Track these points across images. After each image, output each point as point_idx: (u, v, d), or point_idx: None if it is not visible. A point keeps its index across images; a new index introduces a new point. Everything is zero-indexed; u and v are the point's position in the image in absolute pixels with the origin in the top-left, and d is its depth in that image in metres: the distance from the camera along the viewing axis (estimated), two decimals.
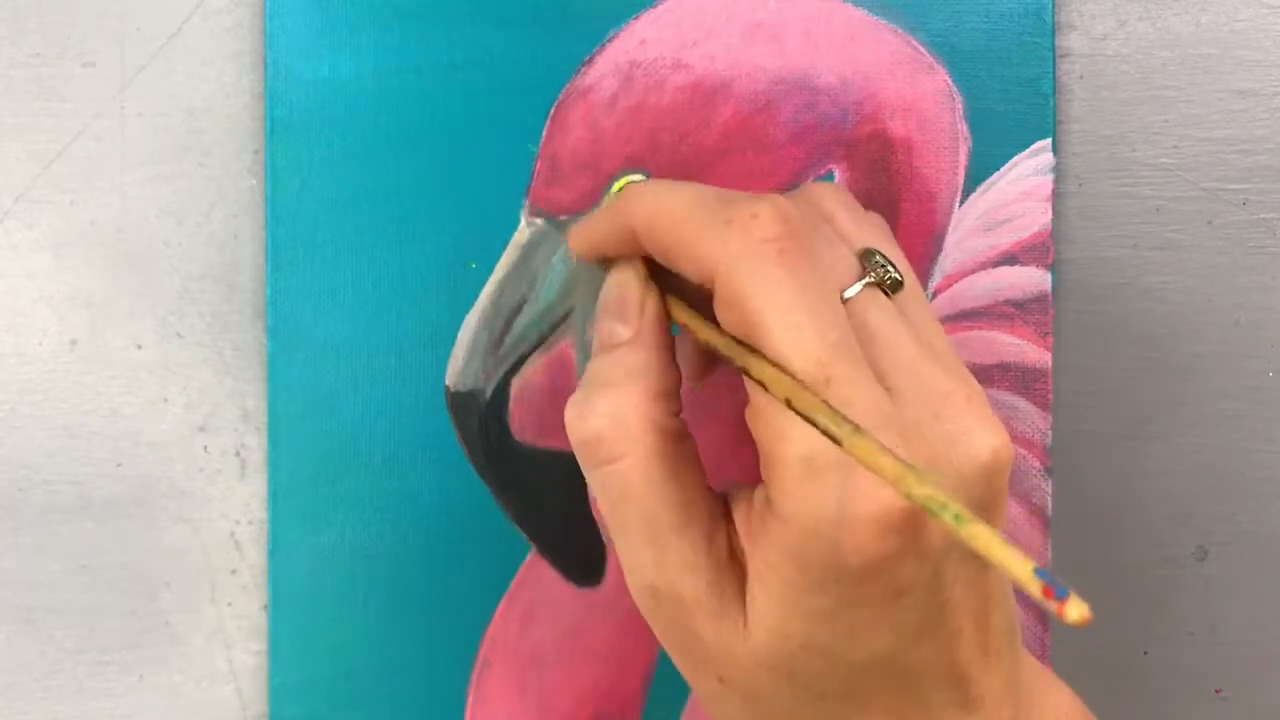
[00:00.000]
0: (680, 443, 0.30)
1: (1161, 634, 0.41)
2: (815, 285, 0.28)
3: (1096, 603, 0.41)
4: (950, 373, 0.29)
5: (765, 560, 0.29)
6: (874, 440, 0.25)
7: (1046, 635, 0.39)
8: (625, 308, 0.31)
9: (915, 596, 0.28)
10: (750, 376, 0.28)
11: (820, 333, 0.27)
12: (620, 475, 0.30)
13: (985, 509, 0.29)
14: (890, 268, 0.30)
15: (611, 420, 0.30)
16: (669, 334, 0.31)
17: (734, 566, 0.30)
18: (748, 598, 0.29)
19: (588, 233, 0.33)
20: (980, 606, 0.29)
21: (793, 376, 0.27)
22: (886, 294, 0.30)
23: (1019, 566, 0.22)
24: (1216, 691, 0.41)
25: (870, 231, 0.32)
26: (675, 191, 0.30)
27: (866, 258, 0.30)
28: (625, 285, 0.31)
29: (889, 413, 0.28)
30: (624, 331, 0.31)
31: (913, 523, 0.27)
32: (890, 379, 0.29)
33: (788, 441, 0.27)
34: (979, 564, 0.29)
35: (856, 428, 0.26)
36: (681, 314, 0.31)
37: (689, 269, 0.29)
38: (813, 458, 0.27)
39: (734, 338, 0.29)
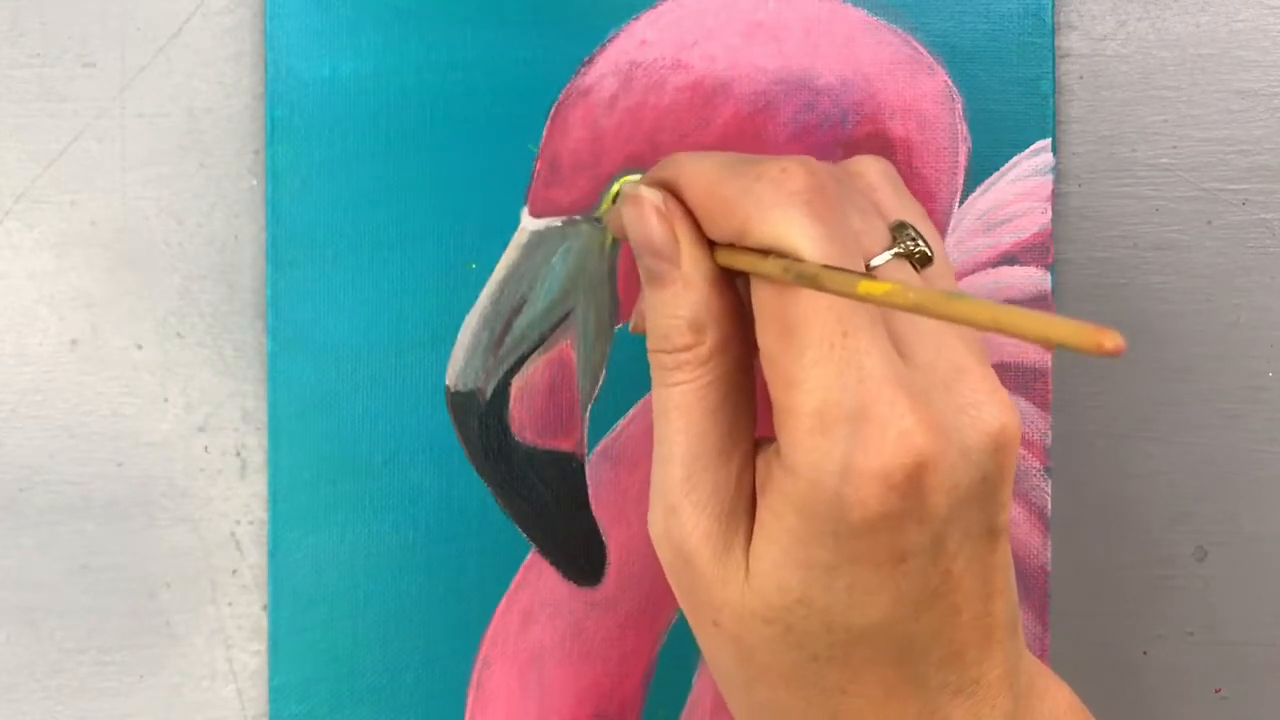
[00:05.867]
0: (744, 372, 0.31)
1: (1161, 634, 0.41)
2: (840, 239, 0.28)
3: (1096, 603, 0.42)
4: (970, 350, 0.30)
5: (770, 509, 0.29)
6: (884, 279, 0.25)
7: (1046, 636, 0.39)
8: (664, 243, 0.31)
9: (916, 563, 0.28)
10: (760, 274, 0.28)
11: None
12: (683, 393, 0.30)
13: (991, 483, 0.29)
14: (921, 241, 0.31)
15: (693, 337, 0.30)
16: (710, 258, 0.31)
17: (750, 512, 0.30)
18: (751, 546, 0.29)
19: (623, 211, 0.33)
20: (982, 589, 0.29)
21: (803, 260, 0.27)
22: (915, 267, 0.31)
23: (1038, 320, 0.21)
24: (1216, 691, 0.41)
25: (909, 207, 0.32)
26: (706, 156, 0.31)
27: (898, 230, 0.31)
28: (648, 221, 0.31)
29: (901, 373, 0.28)
30: (672, 269, 0.31)
31: (916, 483, 0.27)
32: (908, 346, 0.29)
33: (802, 392, 0.28)
34: (983, 543, 0.29)
35: (867, 275, 0.26)
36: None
37: (720, 225, 0.30)
38: (824, 410, 0.27)
39: (743, 247, 0.29)
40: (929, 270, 0.31)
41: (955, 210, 0.39)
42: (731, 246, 0.30)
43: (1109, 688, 0.41)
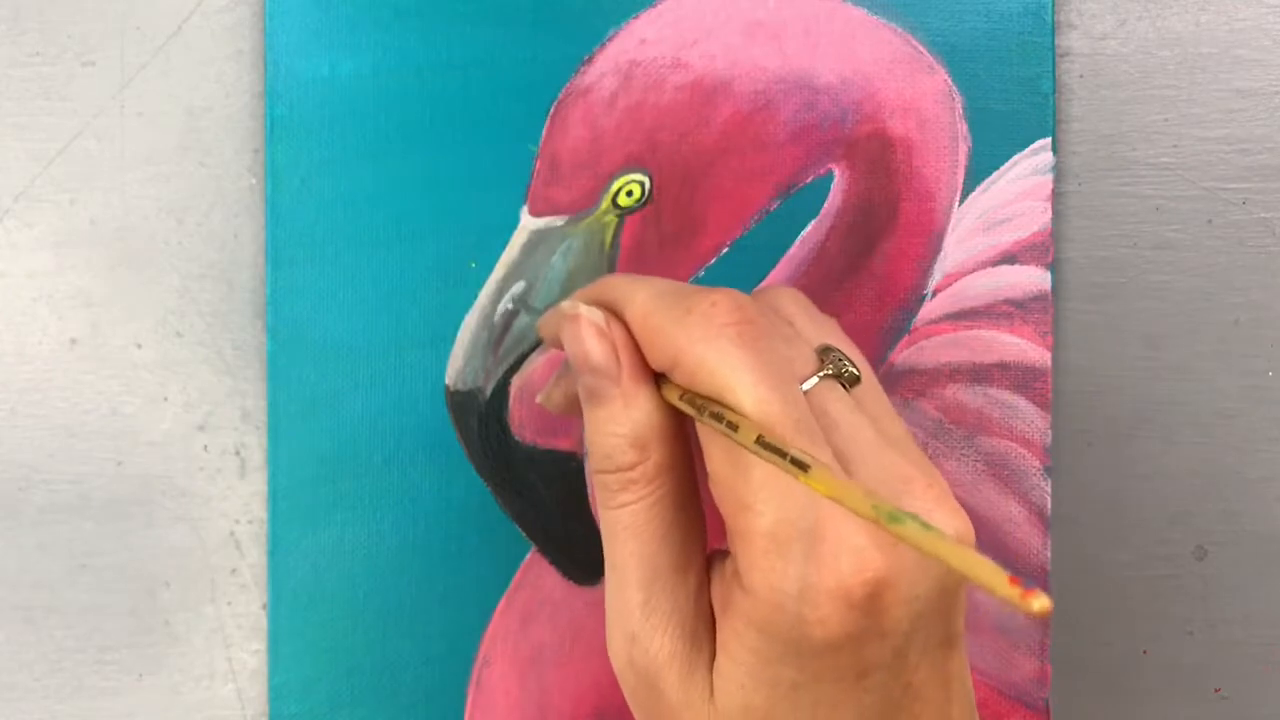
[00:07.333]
0: (690, 486, 0.31)
1: (1161, 634, 0.41)
2: (775, 367, 0.29)
3: (1096, 603, 0.42)
4: (911, 461, 0.30)
5: (732, 629, 0.29)
6: (838, 472, 0.26)
7: (1046, 635, 0.39)
8: (603, 360, 0.31)
9: (879, 677, 0.28)
10: (722, 422, 0.28)
11: (784, 409, 0.28)
12: (632, 514, 0.30)
13: (949, 593, 0.29)
14: (847, 362, 0.31)
15: (637, 455, 0.30)
16: (650, 374, 0.31)
17: (710, 629, 0.30)
18: (715, 666, 0.29)
19: (561, 330, 0.32)
20: (941, 696, 0.29)
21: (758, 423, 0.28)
22: (844, 387, 0.31)
23: (985, 568, 0.22)
24: (1216, 691, 0.41)
25: (827, 331, 0.32)
26: (642, 283, 0.31)
27: (824, 353, 0.31)
28: (587, 340, 0.31)
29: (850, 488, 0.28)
30: (612, 387, 0.30)
31: (875, 600, 0.27)
32: (852, 464, 0.29)
33: (753, 514, 0.28)
34: (941, 652, 0.29)
35: (822, 463, 0.26)
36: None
37: (654, 354, 0.30)
38: (776, 530, 0.27)
39: (699, 393, 0.29)
40: (858, 389, 0.31)
41: (955, 209, 0.39)
42: (675, 385, 0.30)
43: (1109, 687, 0.41)
